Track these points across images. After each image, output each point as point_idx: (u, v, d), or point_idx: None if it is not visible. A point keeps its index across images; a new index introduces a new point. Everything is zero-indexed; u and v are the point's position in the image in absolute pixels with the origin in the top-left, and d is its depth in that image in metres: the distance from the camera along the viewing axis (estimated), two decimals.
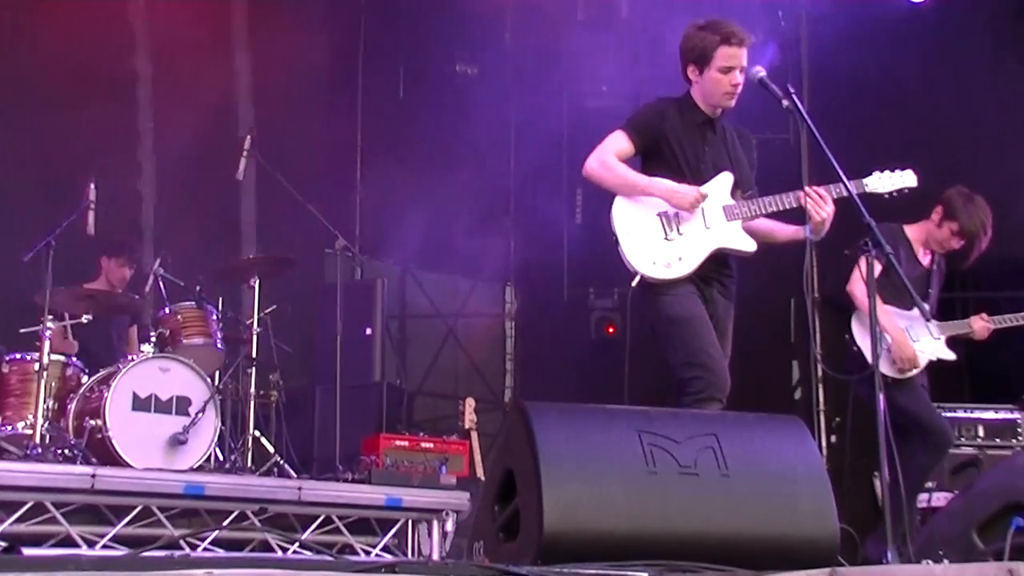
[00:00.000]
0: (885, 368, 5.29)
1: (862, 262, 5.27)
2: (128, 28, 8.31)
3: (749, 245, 4.32)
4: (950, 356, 5.50)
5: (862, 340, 5.31)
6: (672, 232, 4.25)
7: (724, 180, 4.34)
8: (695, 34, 4.31)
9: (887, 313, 5.17)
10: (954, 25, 7.80)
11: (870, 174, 4.33)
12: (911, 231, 5.53)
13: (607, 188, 4.35)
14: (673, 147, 4.32)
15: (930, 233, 5.52)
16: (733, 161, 4.40)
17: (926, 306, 4.71)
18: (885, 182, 4.35)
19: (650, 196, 4.26)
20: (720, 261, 4.34)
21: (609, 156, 4.31)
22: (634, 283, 4.23)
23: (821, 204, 4.15)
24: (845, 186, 3.99)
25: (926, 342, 5.42)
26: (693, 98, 4.38)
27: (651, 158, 4.37)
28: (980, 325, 5.56)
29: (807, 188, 4.17)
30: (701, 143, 4.36)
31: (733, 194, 4.34)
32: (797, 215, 4.27)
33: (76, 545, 4.74)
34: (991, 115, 7.61)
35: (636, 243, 4.24)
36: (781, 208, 4.30)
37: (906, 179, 4.38)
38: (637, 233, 4.25)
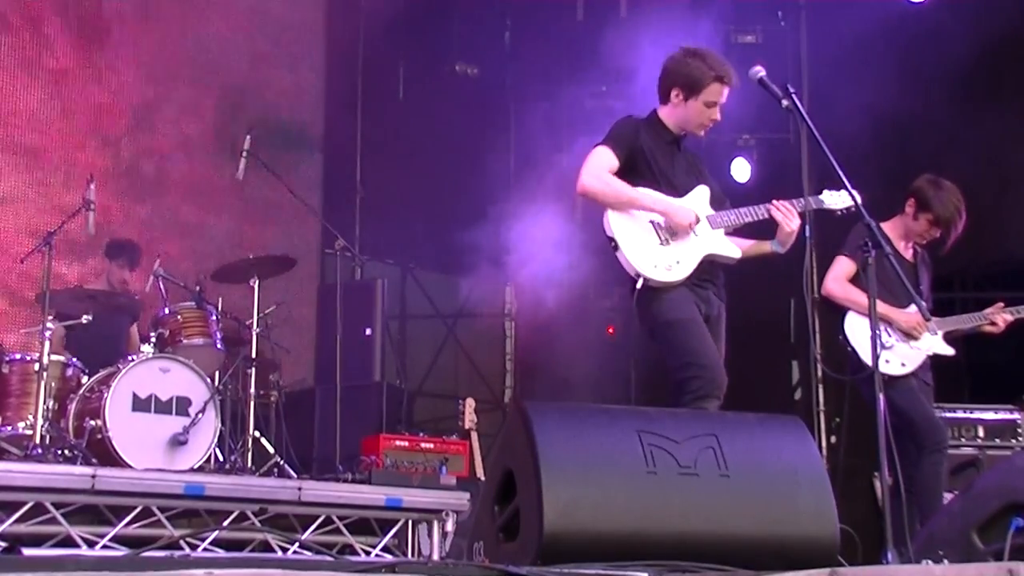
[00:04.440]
0: (881, 366, 5.24)
1: (838, 261, 5.32)
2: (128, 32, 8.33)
3: (734, 252, 4.43)
4: (948, 352, 5.41)
5: (855, 341, 5.27)
6: (665, 239, 4.32)
7: (702, 193, 4.44)
8: (690, 61, 4.35)
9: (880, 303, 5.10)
10: (953, 26, 7.79)
11: (821, 192, 4.47)
12: (888, 227, 5.44)
13: (604, 203, 4.35)
14: (649, 161, 4.39)
15: (908, 227, 5.47)
16: (702, 177, 4.51)
17: (924, 303, 4.67)
18: (836, 199, 4.46)
19: (650, 211, 4.30)
20: (709, 267, 4.40)
21: (604, 172, 4.33)
22: (638, 286, 4.25)
23: (789, 217, 4.29)
24: (848, 191, 4.05)
25: (923, 338, 5.37)
26: (660, 117, 4.46)
27: (629, 172, 4.39)
28: (1001, 317, 5.47)
29: (775, 202, 4.34)
30: (671, 160, 4.44)
31: (711, 206, 4.44)
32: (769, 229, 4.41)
33: (76, 545, 4.73)
34: (991, 116, 7.61)
35: (636, 247, 4.28)
36: (754, 219, 4.42)
37: (844, 199, 4.42)
38: (635, 238, 4.30)
